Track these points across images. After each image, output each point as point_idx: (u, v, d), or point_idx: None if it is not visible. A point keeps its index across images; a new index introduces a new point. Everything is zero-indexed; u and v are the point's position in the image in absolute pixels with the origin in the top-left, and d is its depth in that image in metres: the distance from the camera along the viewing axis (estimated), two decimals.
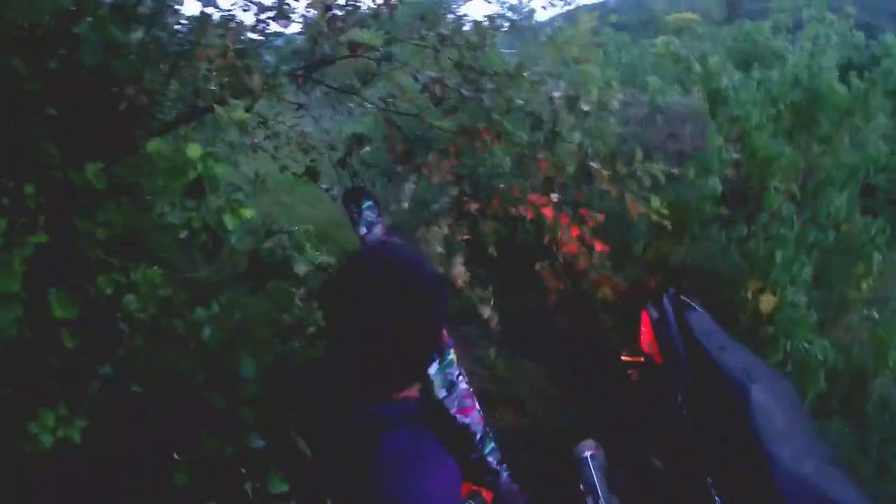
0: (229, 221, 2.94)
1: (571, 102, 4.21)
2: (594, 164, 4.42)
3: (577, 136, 4.39)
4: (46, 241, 2.67)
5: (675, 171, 4.66)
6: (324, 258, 3.68)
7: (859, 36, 10.85)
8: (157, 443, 3.18)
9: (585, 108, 4.22)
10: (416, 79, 4.18)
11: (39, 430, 2.78)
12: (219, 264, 3.48)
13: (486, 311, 4.77)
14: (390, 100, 4.48)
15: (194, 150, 2.89)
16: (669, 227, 4.69)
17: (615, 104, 4.44)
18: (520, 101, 4.20)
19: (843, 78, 5.97)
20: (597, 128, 4.72)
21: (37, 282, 2.63)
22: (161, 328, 3.13)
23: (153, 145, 2.92)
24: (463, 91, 4.11)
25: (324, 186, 4.93)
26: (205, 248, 3.14)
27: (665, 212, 4.59)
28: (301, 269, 3.45)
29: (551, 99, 4.24)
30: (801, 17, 7.41)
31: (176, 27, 4.25)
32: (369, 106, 4.62)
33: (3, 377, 2.90)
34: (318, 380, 2.07)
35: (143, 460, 3.29)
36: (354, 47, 3.90)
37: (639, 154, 4.50)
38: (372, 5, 4.19)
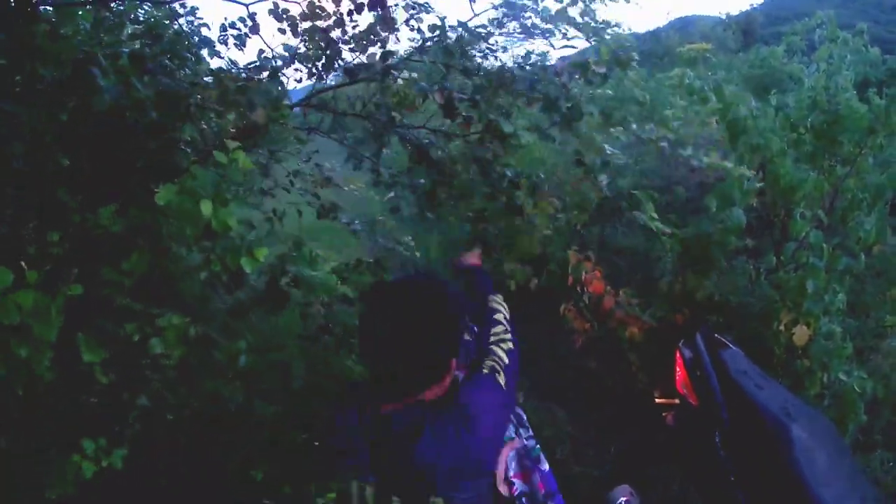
0: (246, 264, 3.05)
1: (582, 70, 3.94)
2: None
3: (593, 111, 4.15)
4: (81, 292, 2.75)
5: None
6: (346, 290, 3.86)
7: (875, 51, 10.80)
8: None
9: (600, 70, 3.97)
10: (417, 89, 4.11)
11: (81, 459, 3.00)
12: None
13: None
14: (398, 117, 4.40)
15: (206, 207, 2.92)
16: (666, 231, 4.58)
17: (635, 56, 4.17)
18: (526, 84, 4.04)
19: (862, 95, 5.89)
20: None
21: (65, 325, 2.72)
22: (201, 360, 3.47)
23: (163, 194, 2.97)
24: (465, 95, 4.02)
25: (344, 220, 4.92)
26: (226, 286, 3.43)
27: (654, 216, 4.47)
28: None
29: (556, 71, 4.06)
30: (815, 39, 7.34)
31: (194, 77, 4.33)
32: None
33: (43, 415, 3.10)
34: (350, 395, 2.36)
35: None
36: (352, 70, 3.89)
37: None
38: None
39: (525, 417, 2.93)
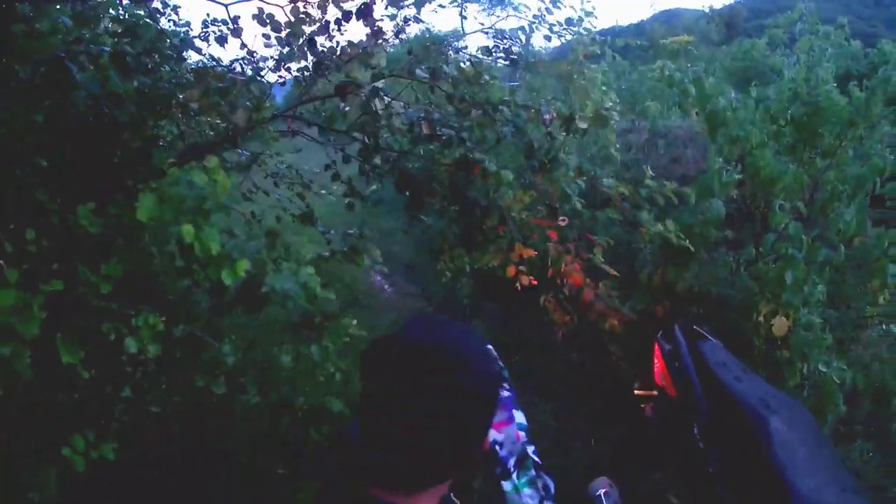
0: (227, 276, 3.08)
1: (566, 122, 4.13)
2: (609, 182, 4.36)
3: (573, 158, 4.35)
4: (62, 288, 2.77)
5: (685, 191, 4.62)
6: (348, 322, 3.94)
7: (856, 45, 10.85)
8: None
9: (582, 125, 4.12)
10: (403, 114, 4.18)
11: (71, 453, 3.03)
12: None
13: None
14: (384, 135, 4.44)
15: (188, 233, 3.00)
16: (690, 248, 4.64)
17: (615, 115, 4.37)
18: (508, 130, 4.14)
19: (843, 89, 5.89)
20: (597, 146, 4.70)
21: (43, 324, 2.73)
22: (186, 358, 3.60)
23: (143, 207, 3.00)
24: (453, 125, 4.09)
25: (321, 229, 4.90)
26: (208, 291, 3.42)
27: (681, 236, 4.55)
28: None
29: (544, 121, 4.15)
30: (796, 32, 7.36)
31: (174, 75, 4.32)
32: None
33: (24, 415, 3.15)
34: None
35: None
36: (341, 87, 3.87)
37: (648, 172, 4.45)
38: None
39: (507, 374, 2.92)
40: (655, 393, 4.10)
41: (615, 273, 4.75)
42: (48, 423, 3.24)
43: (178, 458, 4.22)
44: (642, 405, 4.28)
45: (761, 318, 4.77)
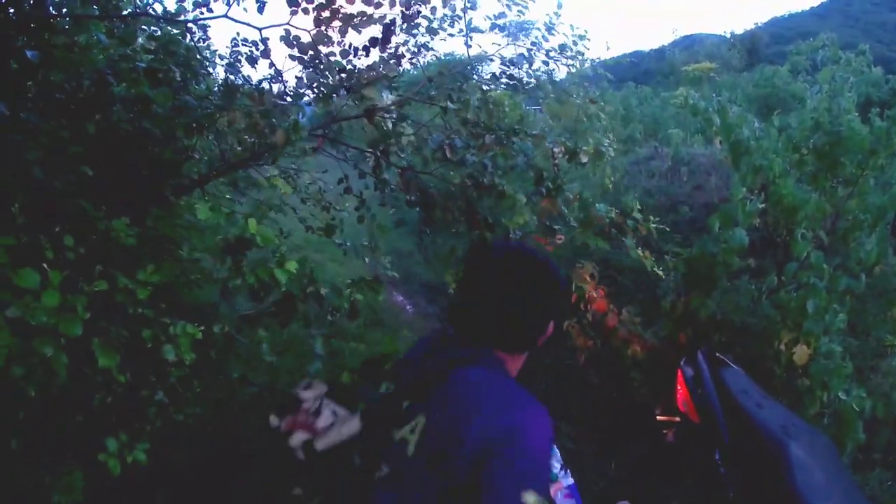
0: (280, 275, 3.31)
1: (571, 155, 4.37)
2: (601, 208, 4.50)
3: (575, 186, 4.53)
4: (106, 288, 2.90)
5: (664, 228, 4.71)
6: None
7: (877, 71, 10.88)
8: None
9: (584, 159, 4.39)
10: (425, 140, 4.35)
11: (107, 457, 3.14)
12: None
13: None
14: (402, 155, 4.60)
15: (252, 225, 3.28)
16: (662, 275, 4.73)
17: (611, 153, 4.59)
18: (521, 158, 4.38)
19: (865, 115, 5.95)
20: (594, 175, 4.89)
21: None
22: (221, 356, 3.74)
23: (202, 210, 3.17)
24: (469, 152, 4.28)
25: (337, 242, 5.08)
26: (254, 293, 3.49)
27: (654, 264, 4.65)
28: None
29: (553, 153, 4.40)
30: (818, 59, 7.43)
31: (206, 93, 4.46)
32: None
33: (57, 417, 3.20)
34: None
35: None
36: (371, 110, 4.00)
37: (636, 206, 4.57)
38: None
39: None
40: (678, 419, 4.15)
41: (603, 292, 4.86)
42: (79, 425, 3.32)
43: (204, 460, 4.29)
44: (664, 431, 4.34)
45: (782, 347, 4.80)
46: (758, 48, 40.55)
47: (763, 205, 5.30)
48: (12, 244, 2.71)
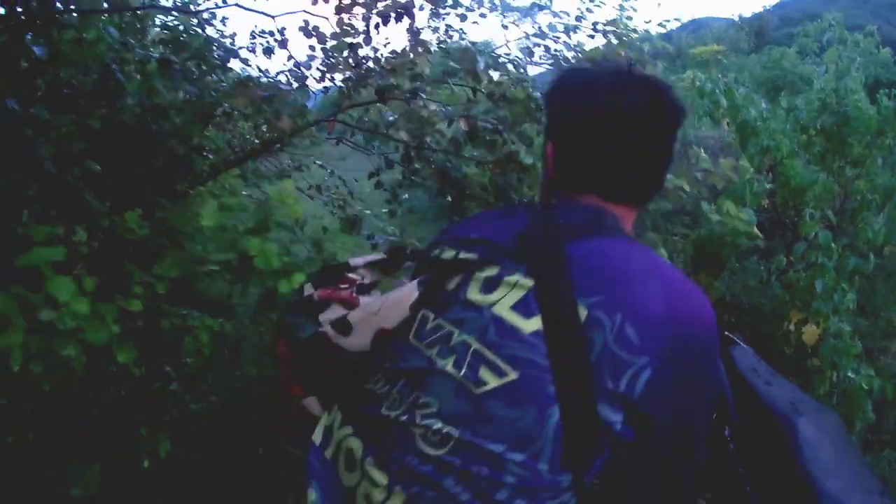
0: (283, 286, 3.19)
1: None
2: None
3: None
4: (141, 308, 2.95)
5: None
6: None
7: (885, 52, 10.82)
8: None
9: None
10: (442, 112, 4.27)
11: (141, 453, 3.23)
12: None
13: None
14: (421, 137, 4.54)
15: (254, 245, 3.23)
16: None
17: None
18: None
19: (873, 97, 5.93)
20: None
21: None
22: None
23: (207, 215, 3.18)
24: (491, 120, 4.17)
25: (365, 234, 5.03)
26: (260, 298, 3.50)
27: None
28: None
29: None
30: (825, 41, 7.38)
31: (220, 84, 4.47)
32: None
33: (74, 410, 3.21)
34: None
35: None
36: (381, 91, 3.96)
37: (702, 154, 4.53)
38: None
39: None
40: None
41: None
42: (95, 417, 3.35)
43: (218, 455, 4.33)
44: None
45: (791, 327, 4.81)
46: (766, 31, 40.39)
47: (771, 185, 5.30)
48: (43, 239, 2.73)
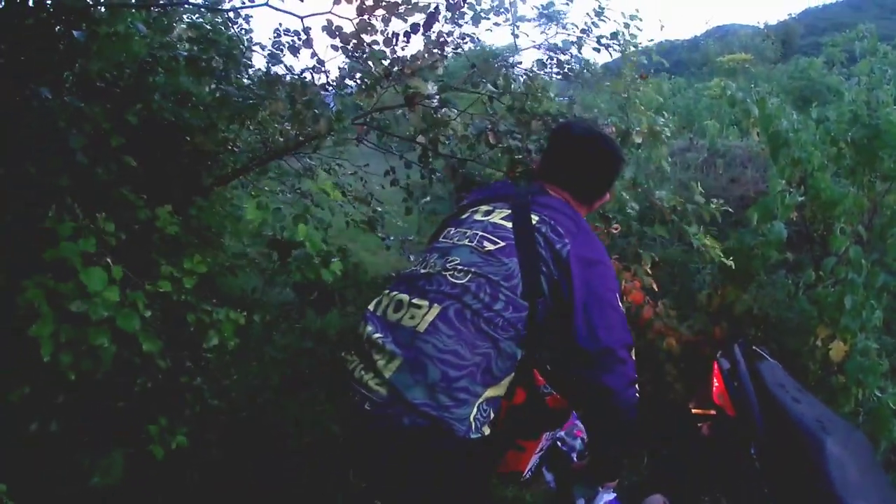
0: (326, 275, 3.51)
1: (623, 137, 4.34)
2: (661, 195, 4.44)
3: (629, 169, 4.50)
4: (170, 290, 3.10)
5: (726, 209, 4.67)
6: None
7: None
8: None
9: (638, 140, 4.36)
10: (467, 126, 4.34)
11: (152, 444, 3.30)
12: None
13: None
14: (447, 142, 4.60)
15: (302, 231, 3.48)
16: (731, 265, 4.70)
17: (667, 132, 4.55)
18: None
19: None
20: (648, 159, 4.80)
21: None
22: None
23: (250, 212, 3.28)
24: (513, 137, 4.30)
25: (380, 235, 5.11)
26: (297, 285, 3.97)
27: (721, 255, 4.61)
28: None
29: None
30: (854, 50, 7.30)
31: (245, 82, 4.48)
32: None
33: (98, 401, 3.31)
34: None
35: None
36: (411, 97, 4.00)
37: (698, 189, 4.52)
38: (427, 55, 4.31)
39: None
40: (713, 412, 4.12)
41: (656, 288, 4.85)
42: (119, 409, 3.37)
43: (240, 446, 4.33)
44: (699, 424, 4.30)
45: (818, 343, 4.77)
46: (792, 39, 40.09)
47: (802, 198, 5.25)
48: (69, 234, 2.75)
